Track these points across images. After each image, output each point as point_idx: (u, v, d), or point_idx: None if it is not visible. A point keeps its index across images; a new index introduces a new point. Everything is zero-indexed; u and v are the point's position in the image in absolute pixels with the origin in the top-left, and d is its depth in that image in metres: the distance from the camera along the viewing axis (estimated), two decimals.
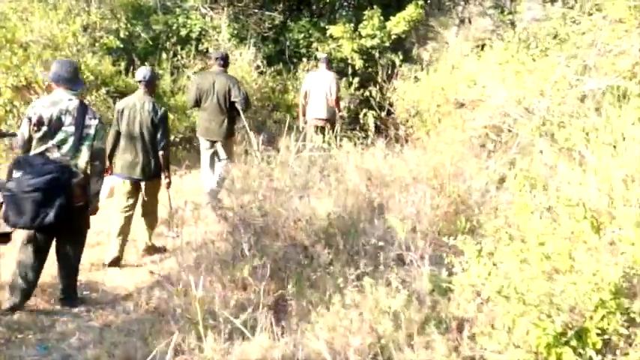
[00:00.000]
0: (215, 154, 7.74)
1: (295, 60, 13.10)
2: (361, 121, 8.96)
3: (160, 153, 6.17)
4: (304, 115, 9.65)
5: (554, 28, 9.24)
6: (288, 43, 13.22)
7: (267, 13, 13.39)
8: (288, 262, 4.66)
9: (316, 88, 9.49)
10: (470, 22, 15.70)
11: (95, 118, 4.78)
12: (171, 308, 4.32)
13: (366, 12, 12.77)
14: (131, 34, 11.94)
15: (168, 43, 12.25)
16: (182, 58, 11.77)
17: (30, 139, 4.66)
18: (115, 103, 8.17)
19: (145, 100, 6.17)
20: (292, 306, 4.14)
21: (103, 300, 5.34)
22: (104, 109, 9.04)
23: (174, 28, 12.34)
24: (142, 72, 6.35)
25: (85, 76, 8.57)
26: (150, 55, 12.31)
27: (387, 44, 13.19)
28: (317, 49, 13.24)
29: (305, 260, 4.70)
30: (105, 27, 10.22)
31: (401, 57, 11.95)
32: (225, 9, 12.30)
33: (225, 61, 7.83)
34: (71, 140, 4.64)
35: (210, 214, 6.25)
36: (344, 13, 13.39)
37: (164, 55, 11.78)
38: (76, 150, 4.66)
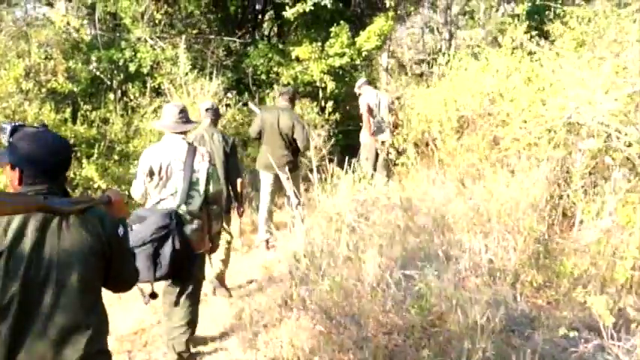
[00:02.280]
0: (276, 190, 7.71)
1: (255, 88, 11.73)
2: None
3: (239, 181, 6.19)
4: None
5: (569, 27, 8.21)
6: (248, 70, 11.81)
7: (225, 38, 11.97)
8: None
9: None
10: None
11: (205, 161, 4.56)
12: None
13: (332, 29, 11.56)
14: (70, 76, 10.39)
15: (114, 81, 10.72)
16: (133, 97, 10.25)
17: (145, 190, 4.58)
18: None
19: (213, 131, 6.14)
20: None
21: None
22: None
23: (120, 64, 10.73)
24: (207, 104, 6.36)
25: None
26: (92, 97, 10.75)
27: (358, 62, 12.05)
28: (277, 74, 11.96)
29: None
30: (50, 69, 8.62)
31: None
32: (182, 38, 10.74)
33: (292, 96, 7.85)
34: (181, 187, 4.45)
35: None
36: (306, 32, 12.08)
37: (111, 96, 10.24)
38: (187, 197, 4.46)
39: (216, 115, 6.33)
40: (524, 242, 5.09)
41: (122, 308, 5.55)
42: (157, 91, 10.72)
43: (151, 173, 4.48)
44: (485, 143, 7.72)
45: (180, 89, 10.27)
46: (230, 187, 6.16)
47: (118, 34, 11.35)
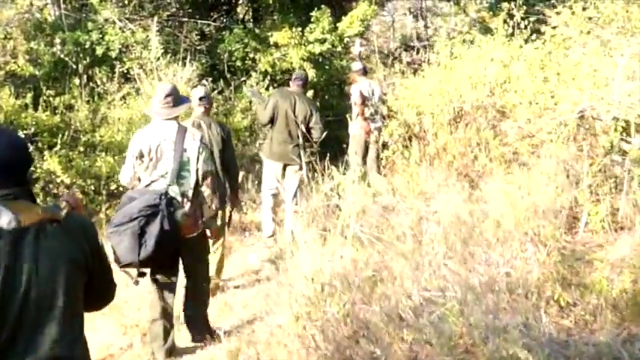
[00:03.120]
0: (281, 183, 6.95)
1: (230, 75, 11.02)
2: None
3: (241, 174, 6.21)
4: None
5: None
6: (223, 55, 11.10)
7: (199, 21, 11.23)
8: None
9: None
10: None
11: (196, 140, 4.45)
12: None
13: (313, 13, 10.90)
14: (32, 58, 9.62)
15: (80, 65, 9.94)
16: (101, 83, 9.51)
17: (135, 174, 4.49)
18: None
19: (210, 120, 5.89)
20: None
21: None
22: None
23: (86, 46, 9.95)
24: (200, 91, 6.08)
25: None
26: (56, 81, 9.98)
27: (340, 49, 11.42)
28: (254, 61, 11.28)
29: None
30: (9, 50, 7.85)
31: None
32: (153, 20, 9.98)
33: (305, 82, 7.26)
34: (171, 167, 4.34)
35: None
36: (284, 17, 11.40)
37: (76, 81, 9.48)
38: (178, 177, 4.36)
39: (209, 103, 6.08)
40: (547, 254, 4.56)
41: (87, 328, 4.85)
42: (126, 77, 10.00)
43: (141, 155, 4.37)
44: (485, 137, 7.19)
45: (151, 75, 9.58)
46: (227, 178, 5.87)
47: (84, 15, 10.54)
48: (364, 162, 8.34)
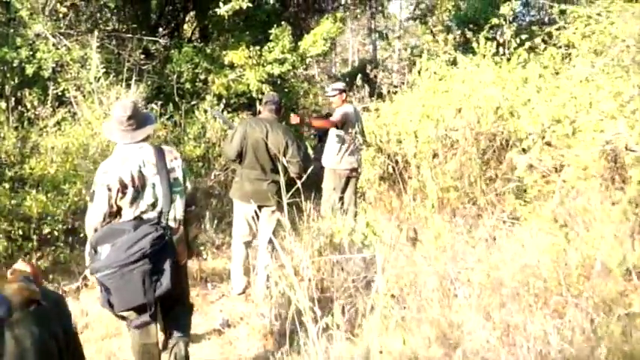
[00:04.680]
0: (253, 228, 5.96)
1: (178, 99, 9.85)
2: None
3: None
4: None
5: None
6: (172, 76, 9.95)
7: (145, 37, 10.04)
8: None
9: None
10: None
11: (177, 158, 4.00)
12: None
13: (272, 30, 9.87)
14: None
15: (7, 86, 8.62)
16: (31, 106, 8.22)
17: (112, 211, 3.77)
18: None
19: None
20: None
21: None
22: None
23: (14, 65, 8.64)
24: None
25: None
26: None
27: (301, 69, 10.43)
28: (205, 83, 10.18)
29: None
30: None
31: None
32: (93, 35, 8.74)
33: (279, 106, 6.10)
34: (161, 192, 3.82)
35: None
36: (239, 34, 10.35)
37: (2, 104, 8.14)
38: (170, 201, 3.84)
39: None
40: (606, 323, 3.60)
41: None
42: (61, 100, 8.73)
43: (124, 186, 3.74)
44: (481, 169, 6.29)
45: (89, 98, 8.37)
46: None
47: (12, 30, 9.22)
48: (341, 199, 7.30)
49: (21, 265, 2.11)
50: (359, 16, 13.06)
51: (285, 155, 5.70)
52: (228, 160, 6.27)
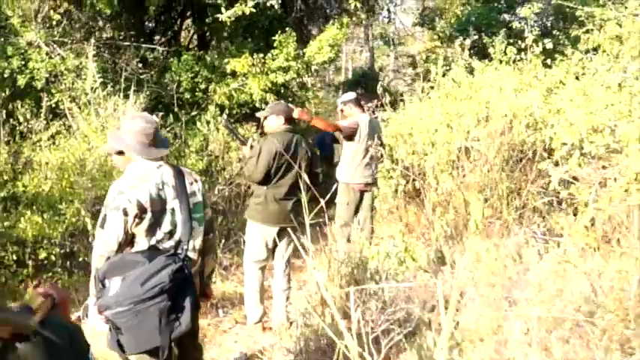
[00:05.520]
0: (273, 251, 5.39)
1: (177, 110, 9.39)
2: None
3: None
4: None
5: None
6: (171, 86, 9.50)
7: (143, 45, 9.58)
8: None
9: None
10: None
11: (197, 181, 3.54)
12: None
13: (276, 37, 9.44)
14: None
15: None
16: (24, 119, 7.74)
17: (126, 239, 3.28)
18: None
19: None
20: None
21: None
22: None
23: (5, 75, 8.16)
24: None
25: None
26: None
27: (306, 78, 10.00)
28: (206, 93, 9.74)
29: None
30: None
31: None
32: (89, 43, 8.25)
33: (290, 114, 5.45)
34: (181, 219, 3.35)
35: None
36: (241, 42, 9.91)
37: None
38: (190, 230, 3.37)
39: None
40: None
41: None
42: (55, 112, 8.26)
43: (142, 210, 3.27)
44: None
45: (85, 109, 7.88)
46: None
47: (2, 38, 8.74)
48: (356, 214, 6.83)
49: (48, 287, 1.78)
50: (364, 22, 12.63)
51: (312, 166, 5.33)
52: (252, 182, 5.51)
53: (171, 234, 3.39)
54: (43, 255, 5.90)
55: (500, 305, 3.54)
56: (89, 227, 5.89)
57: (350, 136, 6.70)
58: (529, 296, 3.48)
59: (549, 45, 7.02)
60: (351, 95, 6.93)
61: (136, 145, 3.39)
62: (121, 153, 3.49)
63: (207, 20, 10.76)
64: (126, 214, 3.27)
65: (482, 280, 3.79)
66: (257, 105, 9.28)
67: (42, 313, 1.54)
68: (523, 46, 7.11)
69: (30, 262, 5.84)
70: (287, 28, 9.51)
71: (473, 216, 4.47)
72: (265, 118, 5.49)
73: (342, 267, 4.18)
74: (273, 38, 9.48)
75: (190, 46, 11.69)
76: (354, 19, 11.16)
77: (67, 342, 1.60)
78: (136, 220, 3.29)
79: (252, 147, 5.47)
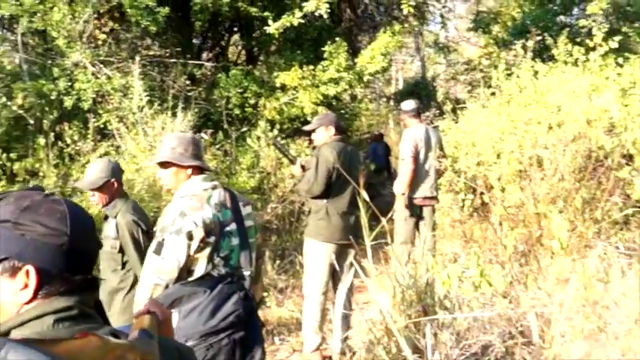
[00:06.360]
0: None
1: (226, 126, 9.14)
2: None
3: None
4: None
5: None
6: (220, 102, 9.27)
7: (190, 62, 9.38)
8: None
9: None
10: None
11: (249, 204, 3.28)
12: None
13: (326, 48, 9.12)
14: None
15: (45, 121, 7.99)
16: (71, 141, 7.55)
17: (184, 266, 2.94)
18: None
19: None
20: None
21: None
22: None
23: (52, 97, 8.02)
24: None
25: None
26: (17, 141, 8.05)
27: (358, 89, 9.64)
28: (255, 108, 9.48)
29: None
30: None
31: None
32: (135, 61, 8.05)
33: (342, 127, 5.19)
34: (237, 244, 3.07)
35: None
36: (290, 54, 9.62)
37: (41, 141, 7.50)
38: (248, 255, 3.11)
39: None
40: None
41: None
42: (103, 133, 8.08)
43: (207, 233, 2.96)
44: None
45: (133, 129, 7.68)
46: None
47: (49, 60, 8.63)
48: (417, 229, 6.41)
49: (153, 304, 1.49)
50: (415, 29, 12.24)
51: (366, 179, 4.71)
52: (310, 197, 5.06)
53: (225, 259, 3.07)
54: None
55: (596, 337, 3.09)
56: None
57: (416, 158, 6.28)
58: (628, 326, 3.03)
59: (614, 44, 6.54)
60: (411, 105, 6.50)
61: (184, 155, 3.09)
62: (166, 165, 3.16)
63: (254, 34, 10.54)
64: (190, 238, 2.95)
65: (571, 306, 3.35)
66: (308, 119, 8.95)
67: (155, 334, 1.31)
68: (591, 45, 6.64)
69: None
70: (337, 39, 9.19)
71: (555, 233, 4.03)
72: (314, 131, 5.14)
73: (408, 292, 3.78)
74: (323, 49, 9.18)
75: (238, 61, 11.47)
76: (405, 25, 10.74)
77: None
78: (201, 244, 2.97)
79: (302, 166, 5.11)
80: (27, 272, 1.21)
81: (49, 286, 1.23)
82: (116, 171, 4.15)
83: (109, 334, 1.19)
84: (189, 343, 2.71)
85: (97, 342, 1.07)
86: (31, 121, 8.07)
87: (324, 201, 4.85)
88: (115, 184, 4.12)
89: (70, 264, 1.26)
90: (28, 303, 1.22)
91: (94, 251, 1.36)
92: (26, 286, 1.22)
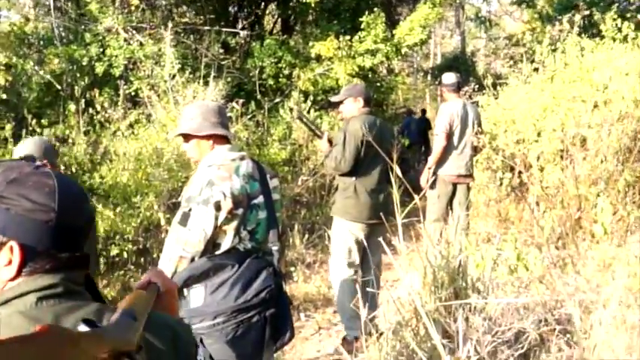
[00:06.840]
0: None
1: (259, 97, 8.97)
2: None
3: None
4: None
5: None
6: (253, 72, 9.10)
7: (223, 29, 9.22)
8: None
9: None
10: None
11: (275, 176, 3.13)
12: None
13: (363, 18, 8.87)
14: (15, 79, 7.61)
15: (76, 87, 7.91)
16: (102, 108, 7.45)
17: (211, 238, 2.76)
18: None
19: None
20: None
21: None
22: None
23: (84, 63, 7.92)
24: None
25: None
26: (48, 107, 8.00)
27: (395, 62, 9.39)
28: (290, 78, 9.29)
29: None
30: None
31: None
32: (167, 28, 7.89)
33: (370, 97, 4.76)
34: (264, 217, 2.91)
35: None
36: (326, 24, 9.39)
37: (72, 107, 7.42)
38: (269, 229, 2.93)
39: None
40: None
41: None
42: (134, 100, 7.99)
43: (236, 204, 2.78)
44: None
45: (164, 97, 7.56)
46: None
47: (82, 26, 8.54)
48: (450, 207, 6.18)
49: (153, 273, 1.43)
50: (457, 1, 11.90)
51: (399, 154, 4.54)
52: (338, 173, 4.76)
53: (252, 233, 2.91)
54: (115, 251, 5.56)
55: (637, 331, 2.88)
56: (162, 222, 5.53)
57: (449, 135, 6.02)
58: None
59: None
60: (452, 79, 6.21)
61: (208, 124, 2.92)
62: (187, 138, 2.99)
63: (291, 3, 10.33)
64: (218, 208, 2.78)
65: (612, 295, 3.13)
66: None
67: (144, 313, 1.19)
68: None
69: (101, 260, 5.50)
70: (375, 9, 8.93)
71: (599, 217, 3.79)
72: (342, 102, 4.89)
73: (439, 273, 3.60)
74: (361, 20, 8.93)
75: (274, 31, 11.26)
76: None
77: (170, 346, 1.29)
78: (228, 216, 2.80)
79: (329, 140, 4.88)
80: (11, 248, 1.15)
81: (33, 263, 1.17)
82: (49, 152, 3.80)
83: (96, 312, 1.15)
84: (219, 320, 2.71)
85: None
86: (63, 87, 8.00)
87: (353, 178, 4.58)
88: (48, 166, 3.87)
89: (56, 241, 1.20)
90: (12, 280, 1.16)
91: (85, 227, 1.28)
92: (10, 262, 1.16)
